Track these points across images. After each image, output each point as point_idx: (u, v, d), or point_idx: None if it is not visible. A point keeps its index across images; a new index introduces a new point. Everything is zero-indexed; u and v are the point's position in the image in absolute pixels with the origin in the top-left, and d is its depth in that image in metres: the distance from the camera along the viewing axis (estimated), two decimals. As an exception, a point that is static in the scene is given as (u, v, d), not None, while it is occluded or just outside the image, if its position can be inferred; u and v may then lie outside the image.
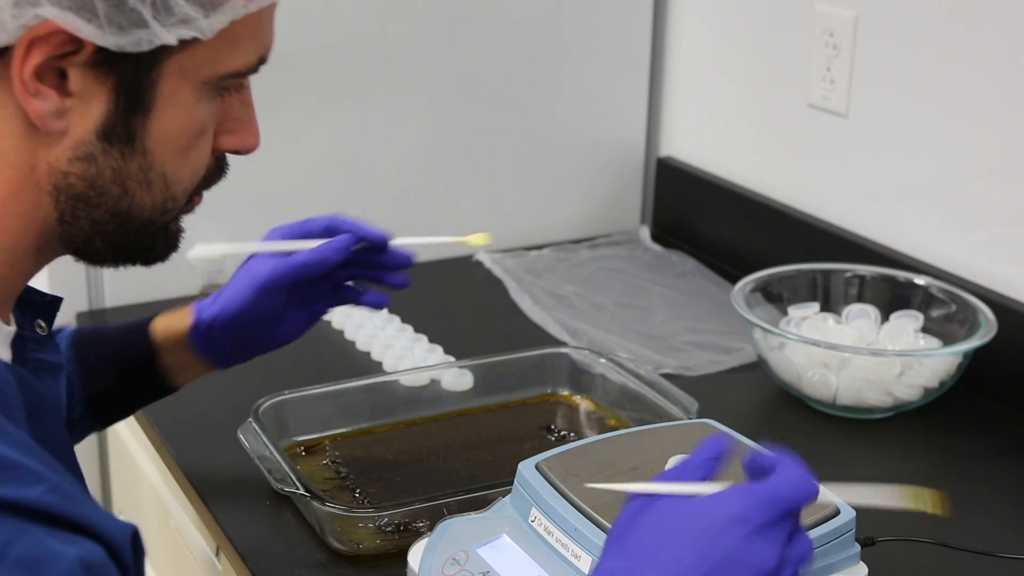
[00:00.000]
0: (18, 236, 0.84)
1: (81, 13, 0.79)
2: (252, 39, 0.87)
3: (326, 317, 1.37)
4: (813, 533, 0.97)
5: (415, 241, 1.18)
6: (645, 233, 1.95)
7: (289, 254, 1.14)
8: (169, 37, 0.82)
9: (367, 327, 1.59)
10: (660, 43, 1.94)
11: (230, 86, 0.89)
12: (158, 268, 1.67)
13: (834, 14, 1.62)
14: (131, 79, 0.82)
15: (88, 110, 0.82)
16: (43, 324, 0.91)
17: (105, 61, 0.81)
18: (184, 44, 0.83)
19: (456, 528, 1.02)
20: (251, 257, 1.17)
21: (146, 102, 0.83)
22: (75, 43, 0.80)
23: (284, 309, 1.17)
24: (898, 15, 1.55)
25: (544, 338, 1.60)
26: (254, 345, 1.19)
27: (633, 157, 1.96)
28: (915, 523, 1.21)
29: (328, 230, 1.15)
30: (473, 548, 1.00)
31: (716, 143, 1.88)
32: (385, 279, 1.19)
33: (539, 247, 1.90)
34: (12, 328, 0.86)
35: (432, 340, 1.56)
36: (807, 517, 0.98)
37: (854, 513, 1.00)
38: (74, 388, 1.15)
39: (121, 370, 1.18)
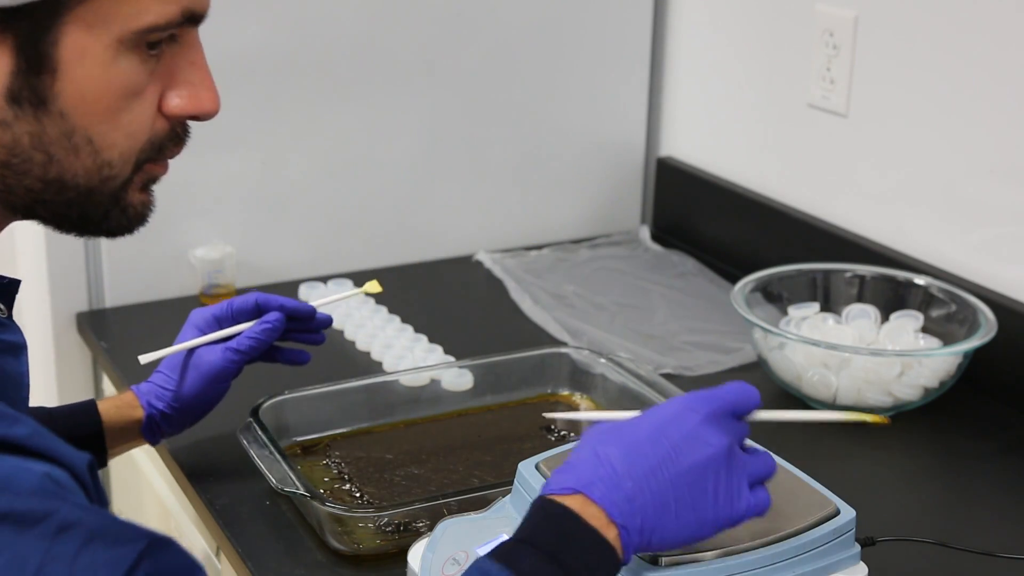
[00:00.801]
0: None
1: None
2: None
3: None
4: (813, 533, 0.97)
5: (323, 301, 1.30)
6: (645, 233, 1.95)
7: (227, 339, 1.23)
8: None
9: (367, 327, 1.59)
10: (660, 43, 1.94)
11: (158, 41, 0.84)
12: (158, 268, 1.69)
13: (834, 14, 1.62)
14: (28, 38, 0.79)
15: None
16: (2, 307, 0.90)
17: None
18: None
19: (456, 528, 1.02)
20: (194, 350, 1.23)
21: (49, 62, 0.80)
22: None
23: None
24: (898, 15, 1.55)
25: (544, 338, 1.60)
26: (192, 422, 1.26)
27: (633, 157, 1.96)
28: (915, 523, 1.21)
29: (259, 308, 1.24)
30: (473, 548, 1.00)
31: (716, 143, 1.88)
32: (309, 340, 1.29)
33: (539, 247, 1.90)
34: None
35: (432, 340, 1.56)
36: (808, 517, 0.98)
37: (854, 513, 1.00)
38: None
39: (68, 422, 1.20)
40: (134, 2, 0.81)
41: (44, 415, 1.20)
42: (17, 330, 0.91)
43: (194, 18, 0.85)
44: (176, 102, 0.86)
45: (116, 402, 1.23)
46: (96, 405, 1.22)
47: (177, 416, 1.23)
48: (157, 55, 0.84)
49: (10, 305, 0.92)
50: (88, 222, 0.88)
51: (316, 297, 1.66)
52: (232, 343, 1.22)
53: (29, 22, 0.78)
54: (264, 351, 1.25)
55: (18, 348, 0.90)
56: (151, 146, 0.87)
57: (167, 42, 0.85)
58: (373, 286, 1.33)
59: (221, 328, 1.23)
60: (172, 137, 0.88)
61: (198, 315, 1.24)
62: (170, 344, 1.23)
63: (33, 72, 0.80)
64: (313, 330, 1.28)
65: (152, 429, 1.23)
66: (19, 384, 0.89)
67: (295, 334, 1.27)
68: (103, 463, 1.22)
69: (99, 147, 0.83)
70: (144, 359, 1.21)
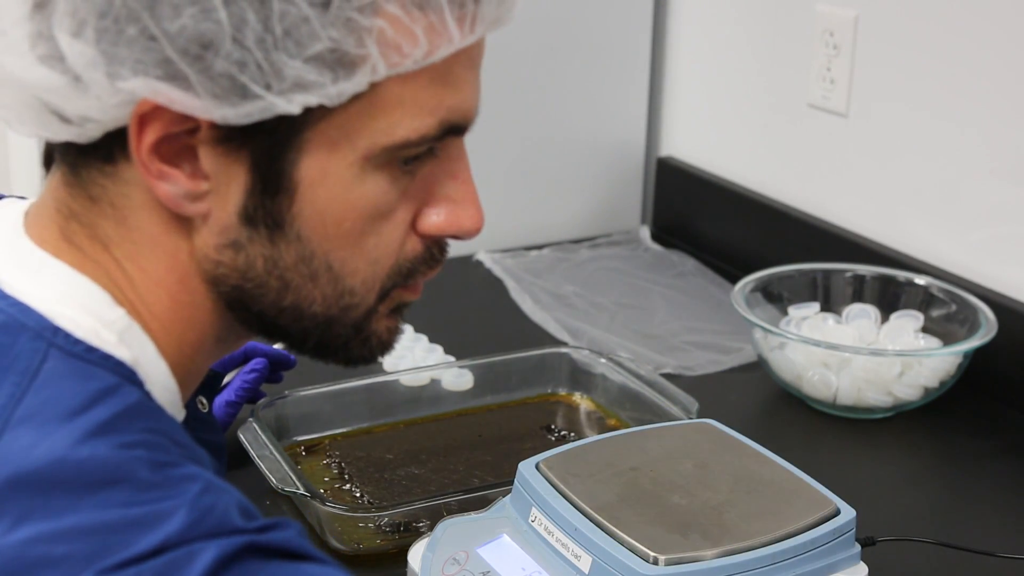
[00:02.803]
0: (200, 328, 0.77)
1: (175, 83, 0.68)
2: (421, 101, 0.73)
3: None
4: (813, 533, 0.97)
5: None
6: (645, 233, 1.95)
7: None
8: (289, 106, 0.69)
9: (367, 327, 1.59)
10: (660, 43, 1.94)
11: (413, 157, 0.75)
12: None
13: (834, 14, 1.62)
14: (266, 156, 0.71)
15: (228, 192, 0.72)
16: (204, 401, 0.87)
17: (232, 137, 0.71)
18: (324, 113, 0.71)
19: (456, 528, 1.02)
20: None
21: (287, 182, 0.72)
22: (192, 119, 0.70)
23: None
24: (898, 15, 1.55)
25: (544, 338, 1.60)
26: None
27: (633, 157, 1.96)
28: (916, 523, 1.21)
29: (247, 355, 1.26)
30: (473, 548, 1.00)
31: (716, 143, 1.88)
32: (275, 379, 1.32)
33: (539, 247, 1.90)
34: (183, 413, 0.80)
35: (432, 340, 1.56)
36: (807, 517, 0.98)
37: (854, 513, 1.00)
38: None
39: None
40: (384, 116, 0.72)
41: None
42: (218, 428, 0.88)
43: (456, 129, 0.77)
44: (433, 220, 0.78)
45: None
46: None
47: None
48: (411, 171, 0.76)
49: (211, 399, 0.88)
50: (325, 351, 0.81)
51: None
52: (229, 395, 1.24)
53: (268, 139, 0.71)
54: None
55: (221, 449, 0.86)
56: (398, 271, 0.79)
57: (425, 157, 0.76)
58: None
59: None
60: (426, 259, 0.80)
61: None
62: None
63: (269, 193, 0.72)
64: (276, 370, 1.32)
65: None
66: None
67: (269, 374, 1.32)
68: None
69: (339, 274, 0.76)
70: None
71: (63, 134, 0.73)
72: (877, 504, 1.21)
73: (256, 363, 1.26)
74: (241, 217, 0.73)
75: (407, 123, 0.73)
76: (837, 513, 0.99)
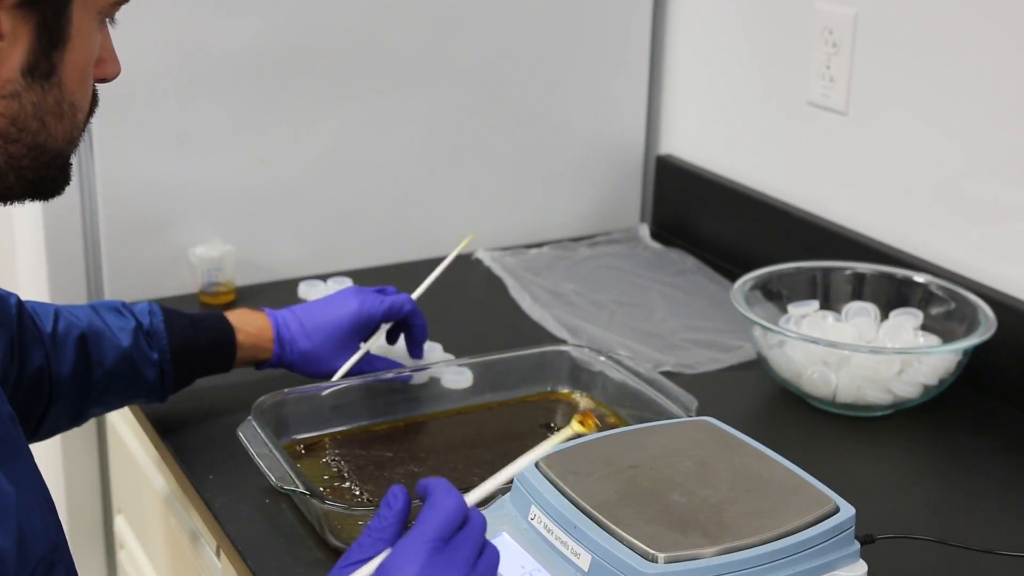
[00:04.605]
0: None
1: None
2: None
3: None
4: (813, 531, 0.97)
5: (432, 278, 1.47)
6: (645, 231, 1.95)
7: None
8: None
9: (367, 325, 1.59)
10: (660, 42, 1.94)
11: (111, 15, 0.92)
12: (158, 266, 1.69)
13: (834, 12, 1.62)
14: (54, 14, 0.84)
15: (14, 50, 0.84)
16: None
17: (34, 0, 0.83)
18: None
19: (456, 526, 1.02)
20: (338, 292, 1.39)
21: (64, 35, 0.86)
22: None
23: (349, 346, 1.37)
24: (898, 13, 1.55)
25: (544, 336, 1.60)
26: (312, 368, 1.36)
27: (633, 155, 1.96)
28: (915, 520, 1.21)
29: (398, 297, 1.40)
30: (473, 546, 0.99)
31: (716, 141, 1.88)
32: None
33: (539, 245, 1.90)
34: None
35: (432, 338, 1.56)
36: (807, 515, 0.98)
37: (853, 511, 1.00)
38: (161, 360, 1.27)
39: (209, 357, 1.31)
40: None
41: (184, 321, 1.29)
42: None
43: None
44: (101, 68, 0.92)
45: (252, 338, 1.32)
46: (235, 338, 1.32)
47: (310, 338, 1.35)
48: (104, 28, 0.91)
49: None
50: (44, 186, 0.91)
51: (314, 295, 1.66)
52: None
53: (55, 1, 0.84)
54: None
55: None
56: (91, 110, 0.93)
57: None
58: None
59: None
60: (95, 102, 0.94)
61: (366, 314, 1.37)
62: None
63: (52, 46, 0.85)
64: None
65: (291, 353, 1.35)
66: None
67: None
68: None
69: (76, 111, 0.90)
70: (337, 376, 1.34)
71: None
72: (877, 502, 1.21)
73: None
74: (23, 70, 0.85)
75: None
76: (837, 511, 0.99)
